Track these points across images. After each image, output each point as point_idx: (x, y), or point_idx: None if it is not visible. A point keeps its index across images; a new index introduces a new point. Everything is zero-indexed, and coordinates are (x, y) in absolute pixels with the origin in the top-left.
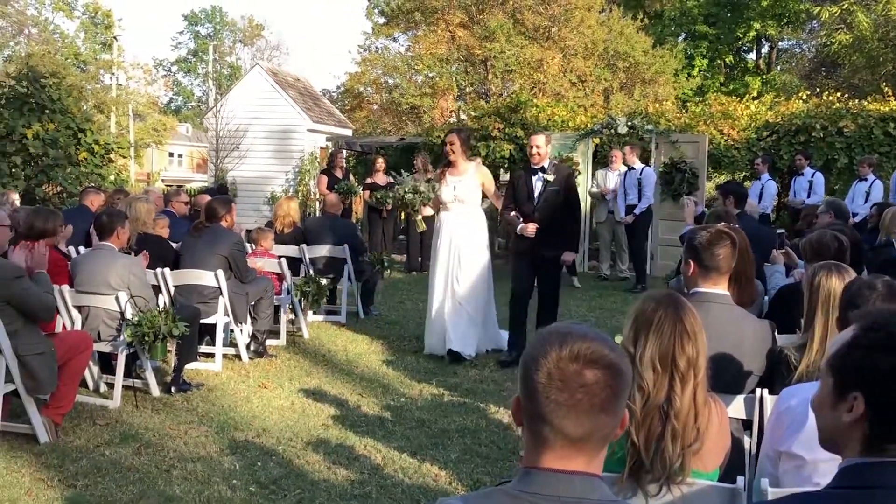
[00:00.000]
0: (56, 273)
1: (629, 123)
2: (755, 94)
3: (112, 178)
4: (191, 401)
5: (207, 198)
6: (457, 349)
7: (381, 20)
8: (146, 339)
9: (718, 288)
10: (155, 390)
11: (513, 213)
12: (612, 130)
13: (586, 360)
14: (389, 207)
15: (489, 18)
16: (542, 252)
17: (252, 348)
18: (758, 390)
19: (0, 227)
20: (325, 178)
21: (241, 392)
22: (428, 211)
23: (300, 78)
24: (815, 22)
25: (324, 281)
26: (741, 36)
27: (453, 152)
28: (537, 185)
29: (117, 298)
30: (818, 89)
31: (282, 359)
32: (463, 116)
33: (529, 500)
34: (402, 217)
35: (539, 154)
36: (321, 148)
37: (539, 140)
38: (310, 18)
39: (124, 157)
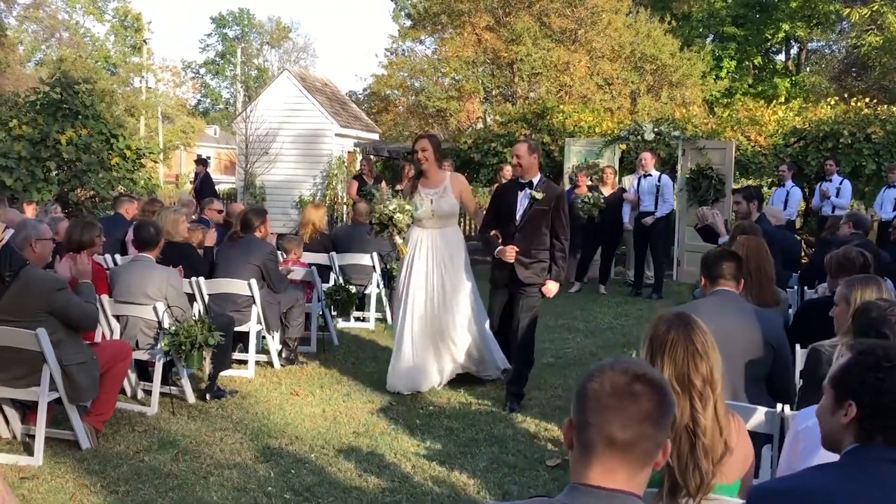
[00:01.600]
0: (95, 283)
1: (656, 130)
2: (783, 98)
3: (143, 182)
4: (225, 408)
5: (241, 207)
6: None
7: (408, 23)
8: (183, 348)
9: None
10: (190, 397)
11: (493, 233)
12: (639, 137)
13: (635, 375)
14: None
15: (515, 21)
16: (520, 278)
17: (283, 355)
18: (779, 406)
19: (43, 241)
20: (355, 184)
21: (274, 399)
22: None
23: (328, 82)
24: (844, 23)
25: (353, 288)
26: (770, 37)
27: (426, 160)
28: (522, 202)
29: (155, 308)
30: (847, 92)
31: (312, 366)
32: (489, 119)
33: None
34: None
35: (520, 165)
36: (349, 152)
37: (521, 149)
38: (336, 21)
39: (155, 162)
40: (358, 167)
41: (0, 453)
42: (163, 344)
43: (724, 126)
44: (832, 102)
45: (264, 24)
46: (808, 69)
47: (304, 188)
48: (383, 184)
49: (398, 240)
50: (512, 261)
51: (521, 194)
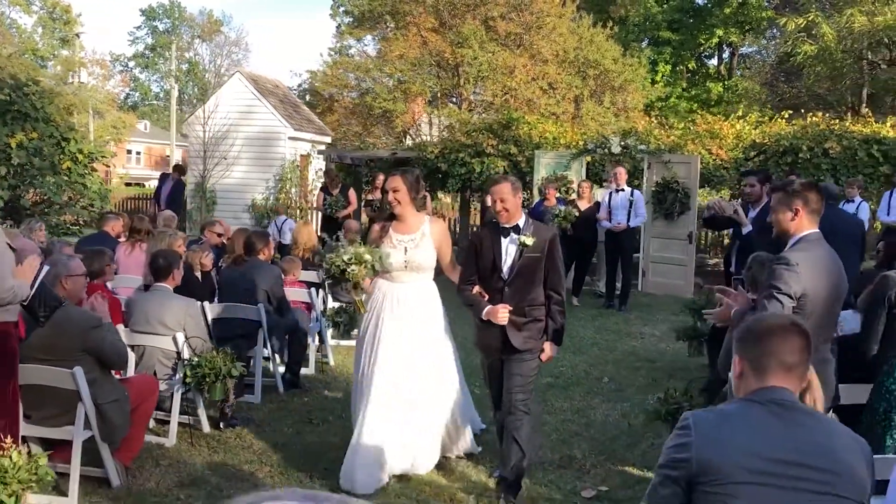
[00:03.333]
0: (111, 313)
1: (622, 143)
2: (740, 112)
3: (96, 187)
4: (243, 438)
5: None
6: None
7: (348, 20)
8: (206, 379)
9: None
10: (206, 427)
11: (475, 290)
12: (606, 149)
13: (791, 321)
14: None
15: (461, 24)
16: (514, 345)
17: (286, 379)
18: None
19: (75, 277)
20: (321, 195)
21: (288, 427)
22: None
23: (279, 84)
24: (775, 30)
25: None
26: (703, 42)
27: (398, 202)
28: (509, 251)
29: (175, 339)
30: (779, 98)
31: (316, 389)
32: (435, 121)
33: (765, 404)
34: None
35: (506, 210)
36: (301, 155)
37: (504, 190)
38: (270, 15)
39: (107, 166)
40: (313, 175)
41: (32, 494)
42: (185, 376)
43: (685, 139)
44: (786, 115)
45: (195, 18)
46: (739, 73)
47: (257, 192)
48: (352, 193)
49: (355, 296)
50: (505, 322)
51: (505, 241)
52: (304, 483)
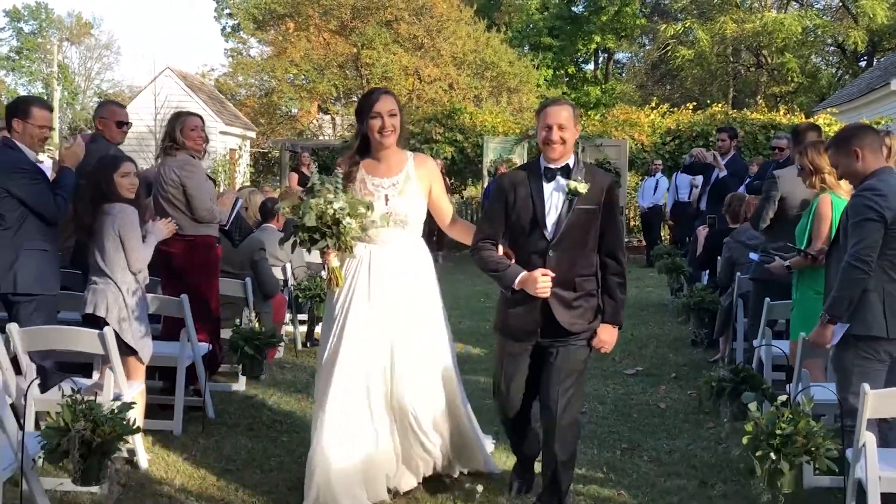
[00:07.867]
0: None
1: None
2: (654, 104)
3: None
4: None
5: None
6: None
7: (231, 23)
8: (315, 299)
9: None
10: (300, 345)
11: (500, 250)
12: None
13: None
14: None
15: (363, 26)
16: (562, 324)
17: None
18: None
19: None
20: (295, 176)
21: None
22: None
23: (204, 81)
24: (646, 38)
25: None
26: (582, 48)
27: (393, 130)
28: (555, 200)
29: (284, 269)
30: (655, 98)
31: None
32: (338, 120)
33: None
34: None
35: (563, 141)
36: (231, 149)
37: (562, 114)
38: (146, 17)
39: None
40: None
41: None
42: (296, 297)
43: (609, 127)
44: (691, 107)
45: (63, 20)
46: (614, 77)
47: None
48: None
49: (334, 262)
50: (547, 294)
51: (549, 187)
52: None
